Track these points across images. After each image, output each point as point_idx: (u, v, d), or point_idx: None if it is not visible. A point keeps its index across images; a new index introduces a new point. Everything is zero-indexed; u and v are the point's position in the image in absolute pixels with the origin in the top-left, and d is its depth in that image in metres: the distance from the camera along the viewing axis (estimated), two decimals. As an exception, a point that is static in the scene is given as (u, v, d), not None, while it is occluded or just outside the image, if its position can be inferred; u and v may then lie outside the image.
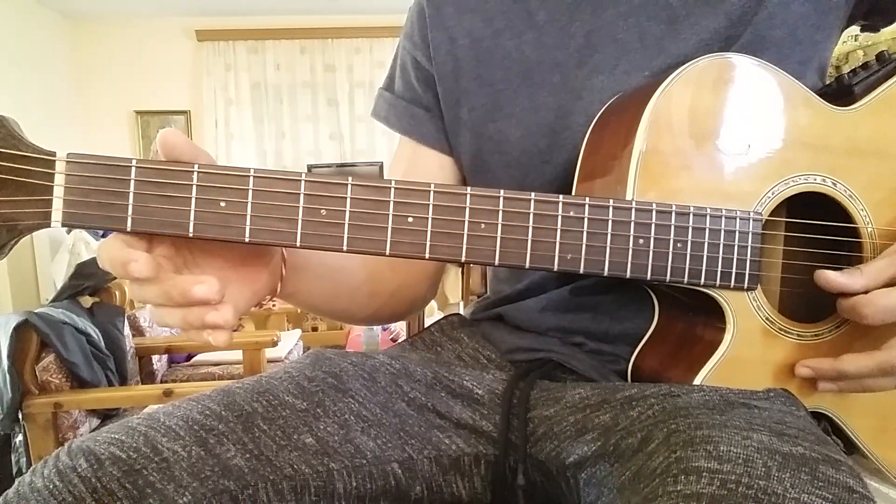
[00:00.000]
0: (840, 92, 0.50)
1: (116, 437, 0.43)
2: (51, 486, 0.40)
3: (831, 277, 0.45)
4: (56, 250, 3.52)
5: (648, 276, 0.44)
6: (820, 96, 0.49)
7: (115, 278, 1.93)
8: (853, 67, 0.50)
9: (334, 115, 4.55)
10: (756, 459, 0.34)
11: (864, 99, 0.49)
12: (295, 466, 0.46)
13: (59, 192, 0.36)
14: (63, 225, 0.37)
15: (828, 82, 0.53)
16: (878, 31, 0.60)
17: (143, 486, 0.40)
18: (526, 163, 0.58)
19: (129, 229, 0.37)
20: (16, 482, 0.41)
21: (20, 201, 0.36)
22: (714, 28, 0.52)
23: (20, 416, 1.60)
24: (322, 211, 0.39)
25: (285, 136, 4.53)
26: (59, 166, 0.36)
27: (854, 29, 0.59)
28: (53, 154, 0.36)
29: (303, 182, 0.39)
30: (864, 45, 1.62)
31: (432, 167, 0.65)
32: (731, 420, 0.39)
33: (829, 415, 0.50)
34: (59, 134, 3.95)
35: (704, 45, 0.52)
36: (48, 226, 0.37)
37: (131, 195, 0.37)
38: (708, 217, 0.45)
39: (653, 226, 0.44)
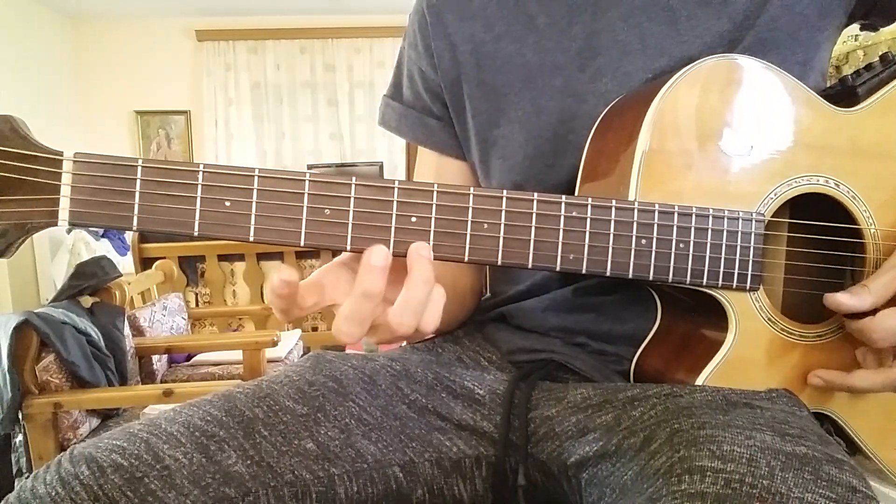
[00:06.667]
0: (843, 93, 0.50)
1: (118, 443, 0.43)
2: (53, 493, 0.40)
3: (841, 301, 0.45)
4: (56, 250, 3.53)
5: (651, 277, 0.44)
6: (823, 97, 0.49)
7: (114, 278, 1.92)
8: (857, 69, 0.50)
9: (334, 115, 4.55)
10: (759, 459, 0.34)
11: (867, 100, 0.50)
12: (296, 472, 0.46)
13: (66, 191, 0.36)
14: (70, 224, 0.37)
15: (830, 83, 0.53)
16: (878, 30, 0.60)
17: (144, 493, 0.41)
18: (530, 167, 0.58)
19: (134, 228, 0.37)
20: (17, 487, 0.41)
21: (28, 200, 0.36)
22: (717, 31, 0.52)
23: (20, 416, 1.60)
24: (326, 210, 0.39)
25: (285, 136, 4.53)
26: (67, 166, 0.36)
27: (854, 28, 0.59)
28: (61, 154, 0.36)
29: (307, 182, 0.39)
30: (864, 45, 1.62)
31: (456, 175, 0.65)
32: (734, 420, 0.39)
33: (833, 416, 0.50)
34: (60, 134, 3.95)
35: (707, 47, 0.52)
36: (55, 224, 0.37)
37: (137, 195, 0.37)
38: (710, 218, 0.45)
39: (655, 226, 0.44)
